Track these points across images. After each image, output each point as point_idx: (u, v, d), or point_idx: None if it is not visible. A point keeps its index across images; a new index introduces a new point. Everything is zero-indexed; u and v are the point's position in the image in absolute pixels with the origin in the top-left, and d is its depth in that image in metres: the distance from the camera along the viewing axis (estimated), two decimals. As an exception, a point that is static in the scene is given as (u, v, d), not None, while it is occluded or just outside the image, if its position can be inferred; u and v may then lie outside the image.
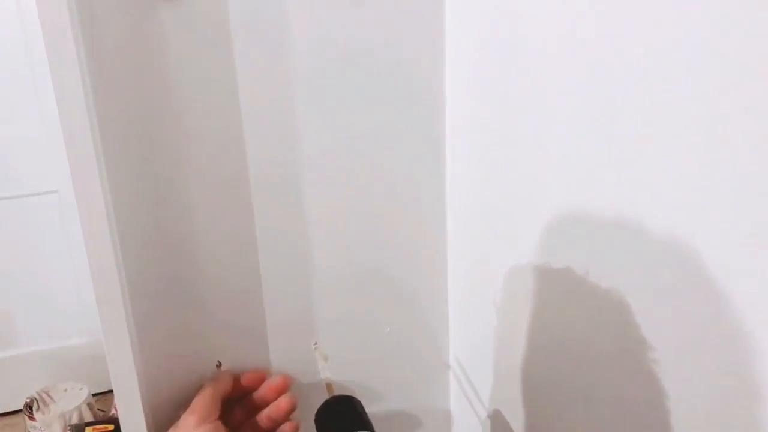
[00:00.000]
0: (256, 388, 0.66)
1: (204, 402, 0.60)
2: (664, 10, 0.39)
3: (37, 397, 2.01)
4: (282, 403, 0.64)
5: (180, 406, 0.63)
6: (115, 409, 1.76)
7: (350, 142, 0.71)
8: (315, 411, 0.63)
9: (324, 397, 0.65)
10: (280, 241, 0.71)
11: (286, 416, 0.64)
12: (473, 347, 0.78)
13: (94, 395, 2.11)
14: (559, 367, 0.58)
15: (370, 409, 0.77)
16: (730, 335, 0.37)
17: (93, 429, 1.81)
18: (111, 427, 1.80)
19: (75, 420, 1.97)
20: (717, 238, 0.38)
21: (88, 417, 2.02)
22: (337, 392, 0.65)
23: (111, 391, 1.97)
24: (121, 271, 0.59)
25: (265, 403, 0.65)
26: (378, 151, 0.72)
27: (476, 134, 0.68)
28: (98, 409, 2.12)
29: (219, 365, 0.68)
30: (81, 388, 2.07)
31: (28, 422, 1.98)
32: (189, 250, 0.66)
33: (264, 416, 0.65)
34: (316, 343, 0.71)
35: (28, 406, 1.99)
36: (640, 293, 0.46)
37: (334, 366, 0.70)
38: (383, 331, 0.79)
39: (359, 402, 0.64)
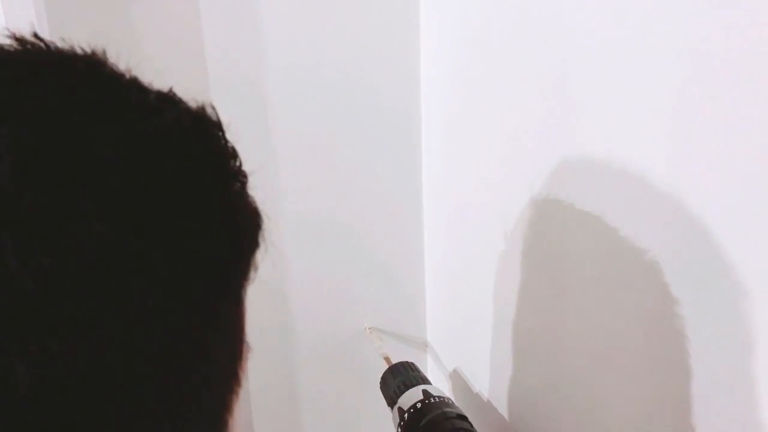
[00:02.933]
0: None
1: None
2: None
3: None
4: None
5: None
6: None
7: (326, 137, 0.71)
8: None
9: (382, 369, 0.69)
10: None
11: None
12: (450, 329, 0.80)
13: None
14: (535, 348, 0.60)
15: (347, 387, 0.78)
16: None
17: None
18: None
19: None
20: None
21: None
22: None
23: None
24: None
25: None
26: (353, 143, 0.73)
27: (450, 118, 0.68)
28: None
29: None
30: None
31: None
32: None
33: None
34: (370, 327, 0.78)
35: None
36: (610, 272, 0.47)
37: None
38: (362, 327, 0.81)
39: (415, 365, 0.68)
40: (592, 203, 0.48)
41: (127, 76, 0.23)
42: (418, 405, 0.57)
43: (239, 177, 0.26)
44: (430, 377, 0.65)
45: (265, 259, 0.27)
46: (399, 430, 0.58)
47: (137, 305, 0.20)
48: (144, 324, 0.20)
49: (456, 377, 0.78)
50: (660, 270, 0.42)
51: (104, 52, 0.23)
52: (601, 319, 0.49)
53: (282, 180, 0.72)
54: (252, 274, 0.26)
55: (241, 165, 0.26)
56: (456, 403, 0.57)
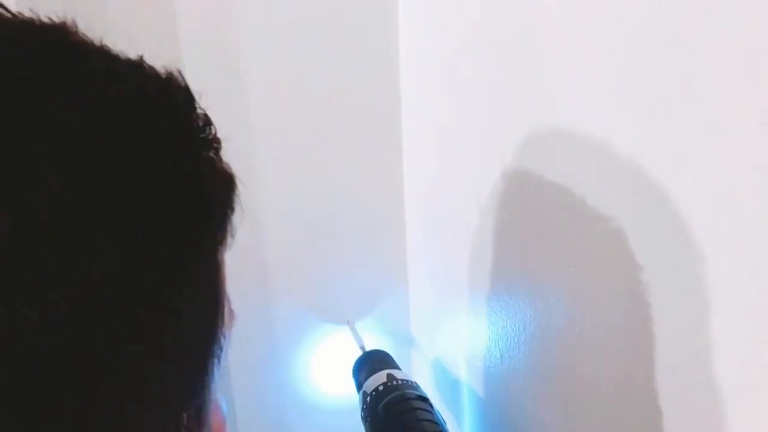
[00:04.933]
0: None
1: None
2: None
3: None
4: None
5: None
6: None
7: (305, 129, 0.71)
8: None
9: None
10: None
11: None
12: (433, 322, 0.78)
13: None
14: (515, 333, 0.58)
15: (328, 382, 0.77)
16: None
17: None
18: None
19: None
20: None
21: None
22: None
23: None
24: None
25: None
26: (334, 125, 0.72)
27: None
28: None
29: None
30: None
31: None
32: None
33: None
34: (348, 321, 0.78)
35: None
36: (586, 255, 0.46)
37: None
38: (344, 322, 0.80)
39: (387, 352, 0.68)
40: (560, 175, 0.47)
41: (96, 44, 0.23)
42: (380, 388, 0.55)
43: (211, 143, 0.25)
44: (414, 371, 0.63)
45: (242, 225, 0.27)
46: (361, 413, 0.56)
47: (102, 266, 0.20)
48: (111, 284, 0.20)
49: (440, 370, 0.75)
50: (625, 237, 0.41)
51: (74, 22, 0.23)
52: (576, 296, 0.47)
53: (262, 172, 0.72)
54: (228, 239, 0.26)
55: (214, 132, 0.26)
56: (440, 396, 0.55)
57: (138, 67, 0.24)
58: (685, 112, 0.34)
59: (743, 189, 0.31)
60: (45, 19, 0.23)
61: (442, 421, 0.52)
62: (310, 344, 0.80)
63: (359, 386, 0.60)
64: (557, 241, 0.48)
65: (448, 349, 0.74)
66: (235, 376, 0.77)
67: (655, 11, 0.35)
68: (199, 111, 0.25)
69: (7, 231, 0.18)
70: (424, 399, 0.53)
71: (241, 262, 0.72)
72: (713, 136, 0.33)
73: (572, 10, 0.43)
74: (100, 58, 0.23)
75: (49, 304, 0.18)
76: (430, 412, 0.51)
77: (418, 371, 0.84)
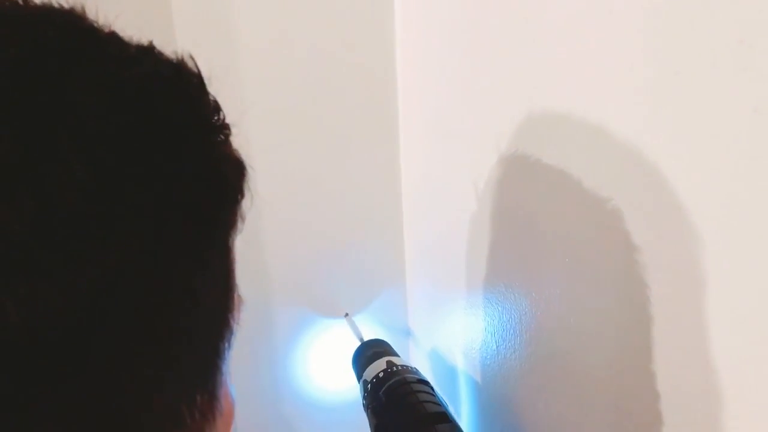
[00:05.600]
0: None
1: None
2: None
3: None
4: None
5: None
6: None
7: (300, 115, 0.71)
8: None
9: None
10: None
11: None
12: (431, 313, 0.78)
13: None
14: (511, 321, 0.58)
15: (326, 374, 0.77)
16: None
17: None
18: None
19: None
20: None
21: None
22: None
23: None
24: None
25: None
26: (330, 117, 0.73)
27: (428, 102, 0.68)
28: None
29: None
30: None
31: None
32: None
33: None
34: (347, 314, 0.79)
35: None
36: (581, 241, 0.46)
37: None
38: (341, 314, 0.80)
39: (385, 341, 0.69)
40: (556, 162, 0.48)
41: (106, 29, 0.24)
42: (380, 374, 0.55)
43: (222, 128, 0.26)
44: (411, 363, 0.64)
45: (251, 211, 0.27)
46: (363, 402, 0.56)
47: (123, 247, 0.20)
48: (130, 266, 0.20)
49: (438, 361, 0.76)
50: (622, 218, 0.42)
51: (83, 8, 0.23)
52: (572, 286, 0.48)
53: (259, 166, 0.72)
54: (240, 224, 0.27)
55: (224, 117, 0.26)
56: (438, 386, 0.56)
57: (150, 51, 0.24)
58: (680, 96, 0.35)
59: (737, 174, 0.32)
60: (55, 5, 0.23)
61: (444, 402, 0.52)
62: (308, 338, 0.81)
63: (359, 376, 0.60)
64: (553, 231, 0.49)
65: (446, 341, 0.75)
66: (233, 372, 0.77)
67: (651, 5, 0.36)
68: (210, 96, 0.26)
69: (30, 213, 0.18)
70: (425, 382, 0.53)
71: (238, 256, 0.73)
72: (708, 122, 0.33)
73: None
74: (113, 42, 0.23)
75: (71, 285, 0.19)
76: (432, 394, 0.52)
77: (415, 363, 0.84)
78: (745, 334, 0.33)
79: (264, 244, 0.76)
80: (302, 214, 0.76)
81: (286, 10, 0.69)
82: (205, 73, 0.26)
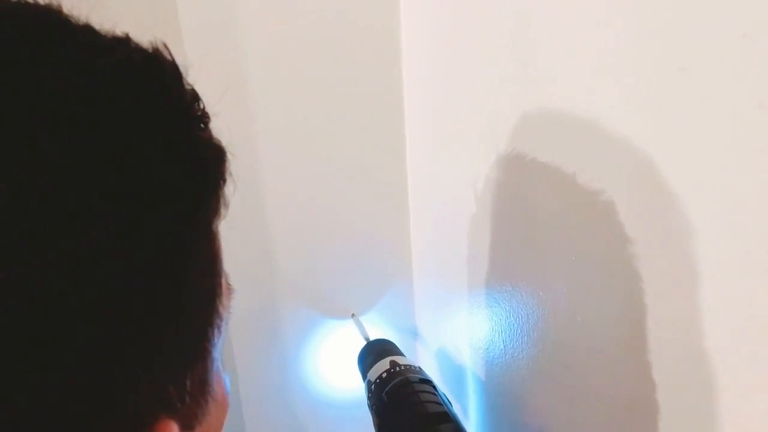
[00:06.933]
0: None
1: None
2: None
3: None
4: None
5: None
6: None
7: (308, 121, 0.72)
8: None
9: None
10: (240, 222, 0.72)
11: None
12: (438, 313, 0.78)
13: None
14: (516, 319, 0.57)
15: (333, 374, 0.77)
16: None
17: None
18: None
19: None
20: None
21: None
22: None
23: None
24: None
25: None
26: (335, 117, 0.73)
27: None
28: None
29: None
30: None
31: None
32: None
33: None
34: (354, 314, 0.79)
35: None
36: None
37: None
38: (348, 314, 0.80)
39: (390, 341, 0.69)
40: (555, 160, 0.47)
41: (81, 22, 0.24)
42: (384, 375, 0.55)
43: (200, 115, 0.26)
44: (419, 363, 0.64)
45: (234, 196, 0.27)
46: (368, 402, 0.56)
47: (99, 227, 0.20)
48: (109, 246, 0.20)
49: (445, 361, 0.76)
50: (615, 210, 0.41)
51: (59, 4, 0.23)
52: (578, 284, 0.47)
53: (266, 168, 0.72)
54: (222, 210, 0.27)
55: (202, 106, 0.26)
56: (445, 386, 0.55)
57: (124, 41, 0.24)
58: (682, 93, 0.34)
59: (742, 169, 0.31)
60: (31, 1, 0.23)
61: (447, 401, 0.52)
62: (315, 339, 0.81)
63: (364, 376, 0.60)
64: (557, 229, 0.49)
65: (453, 340, 0.74)
66: (243, 373, 0.78)
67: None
68: (186, 85, 0.26)
69: (4, 195, 0.18)
70: (428, 381, 0.53)
71: (246, 257, 0.73)
72: (711, 118, 0.33)
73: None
74: (87, 32, 0.23)
75: (49, 266, 0.19)
76: (434, 394, 0.51)
77: (422, 362, 0.84)
78: (746, 328, 0.32)
79: (271, 245, 0.76)
80: (308, 214, 0.76)
81: (292, 15, 0.69)
82: (180, 63, 0.26)
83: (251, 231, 0.73)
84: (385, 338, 0.67)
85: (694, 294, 0.35)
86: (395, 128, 0.77)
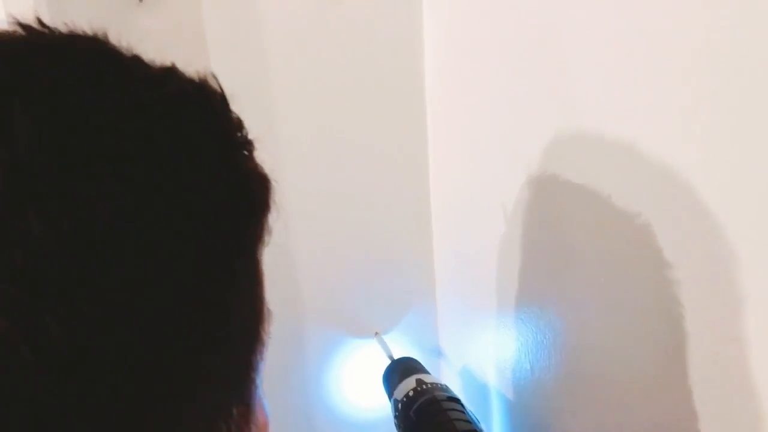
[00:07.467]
0: None
1: None
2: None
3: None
4: None
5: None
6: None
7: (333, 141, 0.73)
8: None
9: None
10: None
11: None
12: (461, 332, 0.78)
13: None
14: (543, 340, 0.57)
15: (357, 392, 0.77)
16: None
17: None
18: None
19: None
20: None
21: None
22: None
23: None
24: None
25: None
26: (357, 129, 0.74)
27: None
28: None
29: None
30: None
31: None
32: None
33: None
34: (377, 333, 0.79)
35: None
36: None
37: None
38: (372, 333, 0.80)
39: (415, 359, 0.69)
40: (587, 181, 0.47)
41: (129, 53, 0.24)
42: (410, 393, 0.55)
43: (246, 144, 0.26)
44: (443, 380, 0.63)
45: (277, 223, 0.28)
46: (395, 421, 0.56)
47: (156, 262, 0.20)
48: (164, 280, 0.21)
49: (469, 381, 0.75)
50: (652, 234, 0.41)
51: (105, 34, 0.24)
52: (608, 308, 0.47)
53: (290, 188, 0.73)
54: (266, 237, 0.27)
55: (247, 133, 0.27)
56: (470, 405, 0.55)
57: (173, 72, 0.25)
58: (715, 113, 0.34)
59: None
60: (80, 32, 0.24)
61: (476, 420, 0.52)
62: (340, 358, 0.80)
63: (390, 394, 0.60)
64: (586, 251, 0.48)
65: (477, 359, 0.74)
66: (267, 393, 0.77)
67: (680, 18, 0.35)
68: (233, 114, 0.26)
69: (67, 230, 0.19)
70: (456, 400, 0.53)
71: (270, 278, 0.74)
72: (744, 138, 0.33)
73: (594, 17, 0.43)
74: (137, 64, 0.24)
75: (108, 301, 0.19)
76: (463, 412, 0.51)
77: (446, 381, 0.83)
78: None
79: (294, 266, 0.76)
80: (332, 234, 0.76)
81: (316, 29, 0.69)
82: (228, 91, 0.26)
83: (275, 251, 0.73)
84: (409, 356, 0.67)
85: (736, 323, 0.35)
86: (419, 147, 0.77)
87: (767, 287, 0.32)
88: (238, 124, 0.26)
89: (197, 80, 0.25)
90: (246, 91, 0.69)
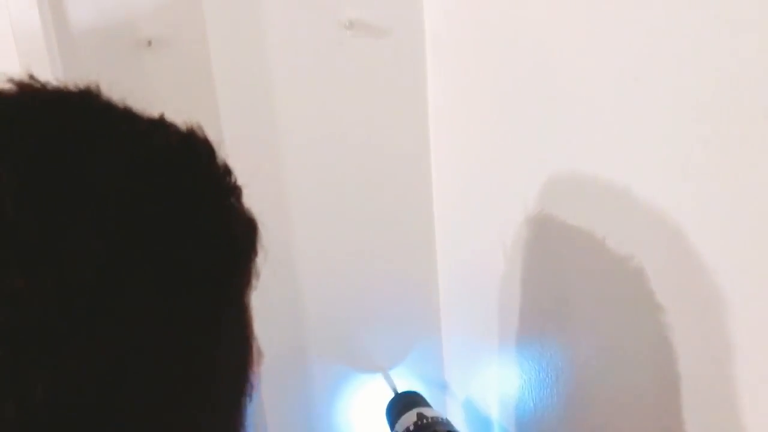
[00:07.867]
0: None
1: None
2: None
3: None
4: None
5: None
6: None
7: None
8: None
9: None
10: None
11: None
12: (468, 367, 0.78)
13: None
14: (548, 377, 0.57)
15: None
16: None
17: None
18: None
19: None
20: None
21: None
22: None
23: None
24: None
25: None
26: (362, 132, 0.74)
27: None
28: None
29: None
30: None
31: None
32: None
33: None
34: (382, 368, 0.79)
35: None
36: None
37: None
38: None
39: (418, 392, 0.69)
40: (580, 216, 0.48)
41: (120, 106, 0.25)
42: (411, 427, 0.55)
43: (233, 191, 0.27)
44: (449, 415, 0.63)
45: (265, 265, 0.28)
46: None
47: (140, 316, 0.21)
48: (148, 335, 0.21)
49: (474, 417, 0.75)
50: (645, 277, 0.41)
51: (97, 87, 0.25)
52: (608, 347, 0.47)
53: (295, 224, 0.73)
54: (254, 281, 0.27)
55: (234, 180, 0.27)
56: None
57: (160, 124, 0.25)
58: (708, 159, 0.35)
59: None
60: (72, 87, 0.24)
61: None
62: (345, 394, 0.80)
63: (392, 428, 0.60)
64: (586, 291, 0.49)
65: (482, 397, 0.73)
66: (273, 427, 0.77)
67: (676, 65, 0.36)
68: (219, 161, 0.26)
69: (50, 287, 0.19)
70: None
71: (274, 317, 0.73)
72: (736, 185, 0.33)
73: (592, 60, 0.44)
74: (125, 118, 0.24)
75: (93, 358, 0.19)
76: None
77: (451, 416, 0.82)
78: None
79: (299, 301, 0.76)
80: (337, 268, 0.76)
81: (318, 62, 0.70)
82: (214, 140, 0.27)
83: (280, 286, 0.73)
84: (412, 390, 0.67)
85: (728, 367, 0.35)
86: (423, 183, 0.77)
87: (758, 331, 0.33)
88: (225, 171, 0.26)
89: (184, 131, 0.26)
90: (254, 133, 0.70)
